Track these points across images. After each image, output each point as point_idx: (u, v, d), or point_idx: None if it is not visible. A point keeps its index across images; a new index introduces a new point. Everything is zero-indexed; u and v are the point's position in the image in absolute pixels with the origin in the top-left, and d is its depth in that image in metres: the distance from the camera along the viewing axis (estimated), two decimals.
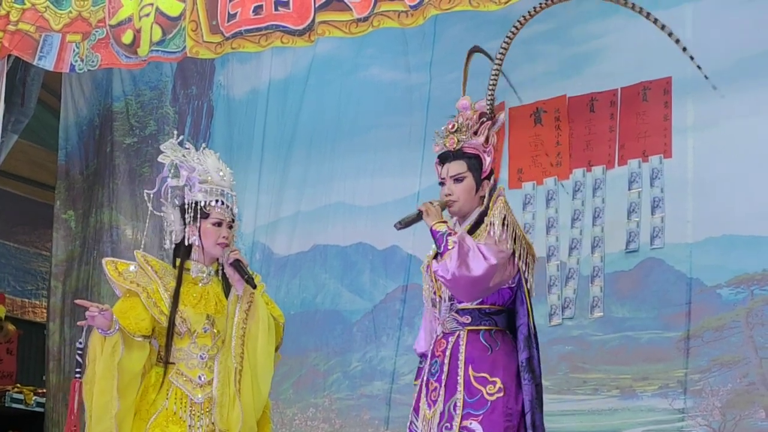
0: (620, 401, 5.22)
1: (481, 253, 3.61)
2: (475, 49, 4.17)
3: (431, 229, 3.76)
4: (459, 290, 3.69)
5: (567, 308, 5.43)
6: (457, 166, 3.84)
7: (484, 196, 3.86)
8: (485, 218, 3.76)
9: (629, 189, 5.33)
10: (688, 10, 5.28)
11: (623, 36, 5.40)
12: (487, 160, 3.86)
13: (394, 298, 6.06)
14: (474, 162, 3.85)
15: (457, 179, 3.84)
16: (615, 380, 5.23)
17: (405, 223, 3.84)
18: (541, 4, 4.09)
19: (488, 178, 3.88)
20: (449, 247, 3.65)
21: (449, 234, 3.70)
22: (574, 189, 5.51)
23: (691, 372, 5.02)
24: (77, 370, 4.01)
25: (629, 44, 5.39)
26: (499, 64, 4.00)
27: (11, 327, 8.19)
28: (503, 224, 3.69)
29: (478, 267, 3.60)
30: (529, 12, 4.08)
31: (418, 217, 3.81)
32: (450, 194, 3.83)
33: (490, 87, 3.95)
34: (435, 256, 3.83)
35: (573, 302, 5.42)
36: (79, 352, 4.02)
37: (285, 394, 6.34)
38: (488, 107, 3.94)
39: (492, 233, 3.69)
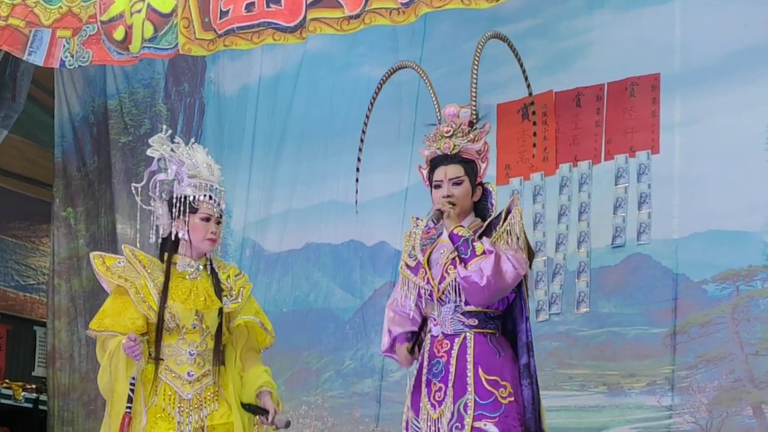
0: (607, 398, 5.22)
1: (510, 262, 3.67)
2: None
3: (451, 233, 3.78)
4: (482, 296, 3.73)
5: (554, 304, 5.43)
6: (456, 170, 3.86)
7: (476, 201, 3.90)
8: (499, 227, 3.80)
9: (616, 184, 5.33)
10: (676, 6, 5.28)
11: (611, 32, 5.42)
12: (482, 167, 3.90)
13: (382, 294, 6.01)
14: (470, 167, 3.88)
15: (457, 182, 3.85)
16: (602, 376, 5.24)
17: (435, 223, 3.87)
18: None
19: (480, 184, 3.91)
20: (478, 254, 3.69)
21: (473, 240, 3.73)
22: (560, 184, 5.50)
23: (678, 368, 5.03)
24: (128, 405, 4.01)
25: (617, 40, 5.40)
26: (476, 74, 4.01)
27: None
28: (519, 235, 3.76)
29: (510, 275, 3.67)
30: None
31: (441, 215, 3.82)
32: (450, 195, 3.83)
33: (473, 98, 3.97)
34: (428, 259, 3.87)
35: (560, 298, 5.42)
36: (132, 387, 4.03)
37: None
38: (474, 116, 3.96)
39: (511, 242, 3.75)
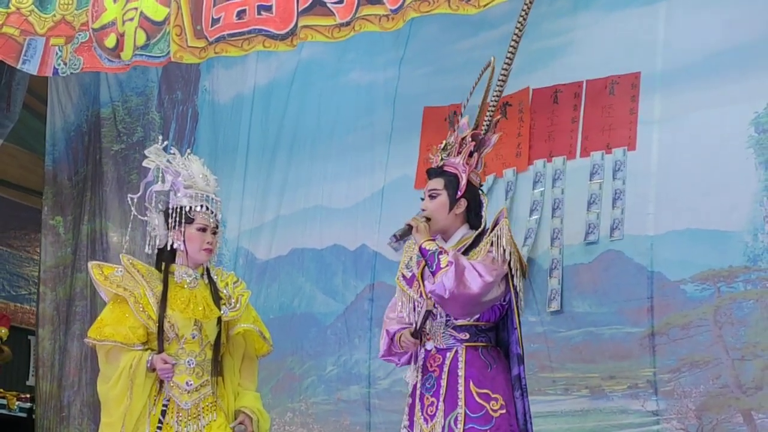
0: (591, 402, 5.10)
1: (476, 270, 3.65)
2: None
3: (420, 247, 3.78)
4: (455, 308, 3.72)
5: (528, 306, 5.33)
6: (435, 183, 3.91)
7: (460, 214, 3.89)
8: (485, 238, 3.79)
9: (590, 180, 5.22)
10: (661, 7, 5.22)
11: (594, 32, 5.36)
12: (463, 181, 3.87)
13: (363, 298, 6.01)
14: (451, 180, 3.89)
15: (432, 196, 3.89)
16: (583, 379, 5.12)
17: (398, 238, 3.84)
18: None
19: (466, 196, 3.89)
20: (442, 266, 3.67)
21: (440, 252, 3.71)
22: (534, 180, 5.41)
23: (660, 371, 4.90)
24: (158, 425, 4.05)
25: (599, 40, 5.35)
26: (505, 75, 4.00)
27: (7, 349, 8.18)
28: (502, 246, 3.72)
29: (474, 285, 3.64)
30: (521, 15, 4.07)
31: (409, 231, 3.82)
32: (424, 210, 3.87)
33: (493, 99, 3.96)
34: (422, 273, 3.87)
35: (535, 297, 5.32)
36: (164, 409, 4.07)
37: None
38: (487, 121, 3.97)
39: (490, 254, 3.72)
